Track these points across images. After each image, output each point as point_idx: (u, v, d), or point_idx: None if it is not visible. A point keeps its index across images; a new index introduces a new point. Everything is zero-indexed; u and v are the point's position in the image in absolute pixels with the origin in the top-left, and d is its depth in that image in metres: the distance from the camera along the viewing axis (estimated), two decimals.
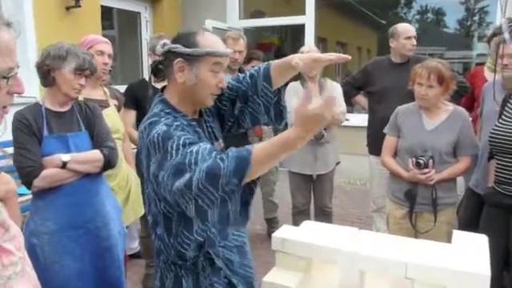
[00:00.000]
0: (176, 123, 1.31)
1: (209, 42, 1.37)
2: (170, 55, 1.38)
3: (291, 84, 3.56)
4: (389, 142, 2.62)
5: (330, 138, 3.38)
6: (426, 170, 2.37)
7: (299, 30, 6.38)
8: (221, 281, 1.52)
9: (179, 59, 1.36)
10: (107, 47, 2.62)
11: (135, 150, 3.11)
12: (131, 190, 2.62)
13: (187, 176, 1.19)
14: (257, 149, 1.21)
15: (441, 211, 2.42)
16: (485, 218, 2.32)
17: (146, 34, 5.84)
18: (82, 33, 2.71)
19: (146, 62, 5.69)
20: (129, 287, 2.31)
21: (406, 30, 3.33)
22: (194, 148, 1.23)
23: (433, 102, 2.44)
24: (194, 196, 1.20)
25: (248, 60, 3.61)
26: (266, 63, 1.55)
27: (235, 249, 1.60)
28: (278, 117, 1.55)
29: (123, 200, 2.53)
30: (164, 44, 1.40)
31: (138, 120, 3.06)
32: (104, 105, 2.55)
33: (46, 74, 1.96)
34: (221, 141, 1.55)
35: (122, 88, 3.17)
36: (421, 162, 2.37)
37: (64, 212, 1.97)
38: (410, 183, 2.45)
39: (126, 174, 2.59)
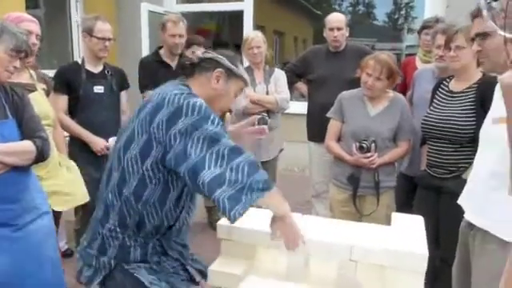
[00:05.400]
0: None
1: (243, 71, 1.63)
2: (212, 62, 1.55)
3: None
4: (333, 126, 2.67)
5: (274, 125, 3.39)
6: (368, 154, 2.46)
7: (237, 17, 6.32)
8: (169, 261, 1.58)
9: (221, 70, 1.54)
10: (35, 26, 2.43)
11: (68, 139, 2.93)
12: (64, 178, 2.45)
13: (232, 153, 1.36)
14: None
15: (382, 194, 2.53)
16: (418, 200, 2.45)
17: (77, 15, 5.50)
18: (2, 12, 2.46)
19: (77, 44, 5.37)
20: None
21: (328, 21, 3.38)
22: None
23: (378, 93, 2.53)
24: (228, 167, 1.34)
25: (188, 45, 3.52)
26: None
27: (183, 247, 1.67)
28: None
29: (54, 189, 2.36)
30: (206, 52, 1.59)
31: (71, 106, 2.88)
32: (30, 89, 2.36)
33: None
34: None
35: (50, 73, 2.95)
36: (364, 145, 2.45)
37: None
38: (354, 167, 2.53)
39: (57, 161, 2.41)
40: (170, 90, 1.46)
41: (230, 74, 1.56)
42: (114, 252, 1.50)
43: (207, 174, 1.32)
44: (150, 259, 1.53)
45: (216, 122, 1.38)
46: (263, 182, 1.35)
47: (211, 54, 1.56)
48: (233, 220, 1.32)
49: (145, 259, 1.52)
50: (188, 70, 1.57)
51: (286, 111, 3.53)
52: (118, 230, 1.49)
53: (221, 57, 1.56)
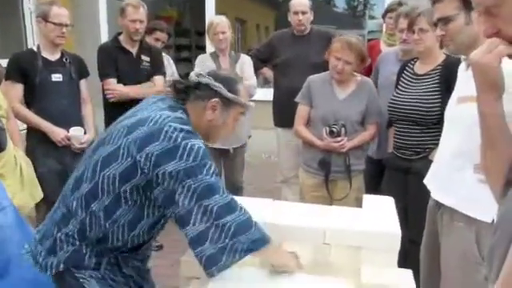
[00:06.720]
0: None
1: (243, 92, 1.52)
2: (206, 89, 1.44)
3: (200, 56, 3.48)
4: (301, 110, 2.65)
5: None
6: (338, 139, 2.46)
7: (199, 3, 6.20)
8: (120, 277, 1.51)
9: (217, 99, 1.43)
10: None
11: (24, 132, 2.78)
12: (23, 171, 2.33)
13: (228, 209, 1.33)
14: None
15: (353, 178, 2.54)
16: (386, 181, 2.49)
17: (29, 1, 5.22)
18: None
19: (31, 32, 5.10)
20: None
21: (292, 4, 3.38)
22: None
23: (346, 77, 2.53)
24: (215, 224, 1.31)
25: (151, 31, 3.41)
26: None
27: (141, 262, 1.61)
28: None
29: (17, 184, 2.24)
30: (200, 75, 1.45)
31: (27, 95, 2.72)
32: None
33: None
34: None
35: (2, 62, 2.78)
36: (334, 130, 2.45)
37: None
38: (324, 152, 2.53)
39: (12, 154, 2.28)
40: (167, 115, 1.35)
41: (227, 102, 1.45)
42: (65, 256, 1.41)
43: (191, 231, 1.31)
44: (102, 269, 1.45)
45: (211, 171, 1.31)
46: (250, 242, 1.33)
47: (208, 80, 1.43)
48: (209, 276, 1.34)
49: (98, 268, 1.44)
50: (182, 93, 1.46)
51: (252, 98, 3.50)
52: (75, 236, 1.41)
53: (218, 85, 1.43)
